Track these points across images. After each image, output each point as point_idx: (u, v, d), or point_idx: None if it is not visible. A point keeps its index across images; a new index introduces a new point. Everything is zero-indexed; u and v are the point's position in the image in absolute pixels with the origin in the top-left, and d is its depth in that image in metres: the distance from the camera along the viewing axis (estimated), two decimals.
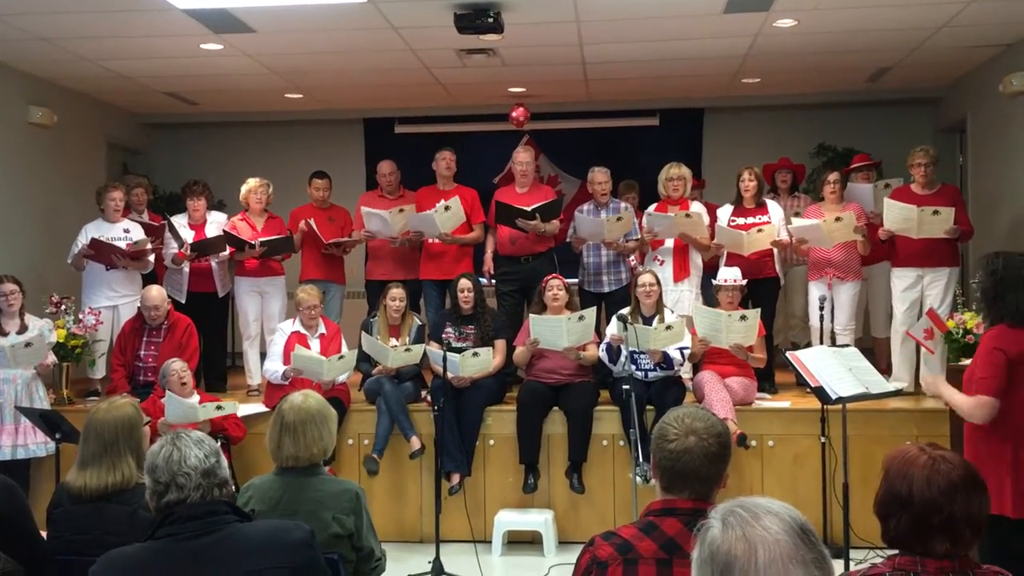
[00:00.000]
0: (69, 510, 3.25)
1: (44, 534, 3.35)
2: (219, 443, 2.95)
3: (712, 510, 1.61)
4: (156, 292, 6.46)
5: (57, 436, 5.15)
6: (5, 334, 6.08)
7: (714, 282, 6.33)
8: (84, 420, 3.44)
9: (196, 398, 5.89)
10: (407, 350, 6.18)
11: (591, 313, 6.06)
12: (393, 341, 6.36)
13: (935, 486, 2.22)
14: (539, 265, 6.83)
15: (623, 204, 7.02)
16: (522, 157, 7.10)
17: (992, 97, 7.58)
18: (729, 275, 6.23)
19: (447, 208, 6.75)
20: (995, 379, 3.78)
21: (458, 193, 7.01)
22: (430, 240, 7.05)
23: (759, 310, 6.04)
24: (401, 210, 6.93)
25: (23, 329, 6.14)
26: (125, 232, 7.00)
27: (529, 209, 6.72)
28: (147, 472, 2.56)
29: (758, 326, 6.00)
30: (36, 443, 5.98)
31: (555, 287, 6.23)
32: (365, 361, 6.41)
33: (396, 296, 6.45)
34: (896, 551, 2.27)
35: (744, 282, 6.23)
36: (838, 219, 6.38)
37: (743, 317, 5.89)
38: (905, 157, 6.60)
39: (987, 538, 2.41)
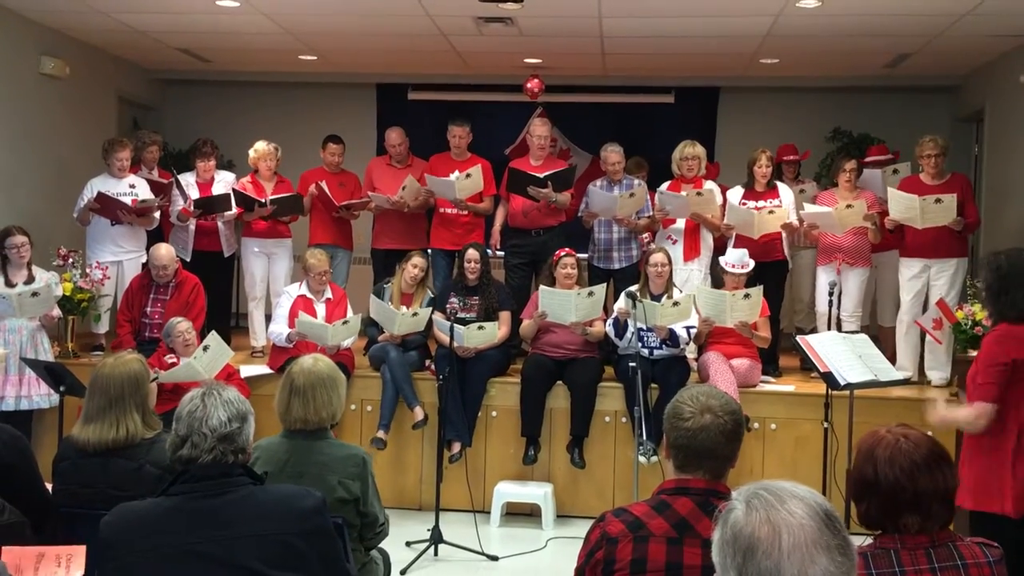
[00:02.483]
0: (76, 463, 3.24)
1: (48, 486, 3.35)
2: None
3: (735, 492, 1.59)
4: (165, 251, 6.42)
5: (61, 388, 5.15)
6: (12, 285, 6.06)
7: (722, 263, 6.29)
8: (90, 374, 3.42)
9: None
10: (414, 314, 6.16)
11: (600, 289, 6.04)
12: (404, 309, 6.34)
13: (897, 466, 2.31)
14: (549, 239, 6.80)
15: (636, 181, 6.97)
16: (540, 130, 7.04)
17: (1012, 87, 7.50)
18: (736, 259, 6.18)
19: (468, 176, 6.70)
20: (995, 385, 3.72)
21: (474, 163, 6.96)
22: (441, 202, 7.00)
23: (761, 287, 6.00)
24: (404, 187, 6.88)
25: (30, 281, 6.13)
26: (131, 188, 6.95)
27: (542, 176, 6.67)
28: (174, 419, 2.55)
29: (762, 304, 5.98)
30: (40, 395, 5.98)
31: (568, 264, 6.20)
32: (372, 326, 6.39)
33: (418, 264, 6.42)
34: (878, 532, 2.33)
35: (751, 265, 6.18)
36: (849, 206, 6.36)
37: (747, 295, 5.87)
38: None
39: (988, 537, 2.42)
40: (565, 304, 5.93)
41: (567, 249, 6.31)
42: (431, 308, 6.28)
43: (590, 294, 5.94)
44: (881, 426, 2.46)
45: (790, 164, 7.71)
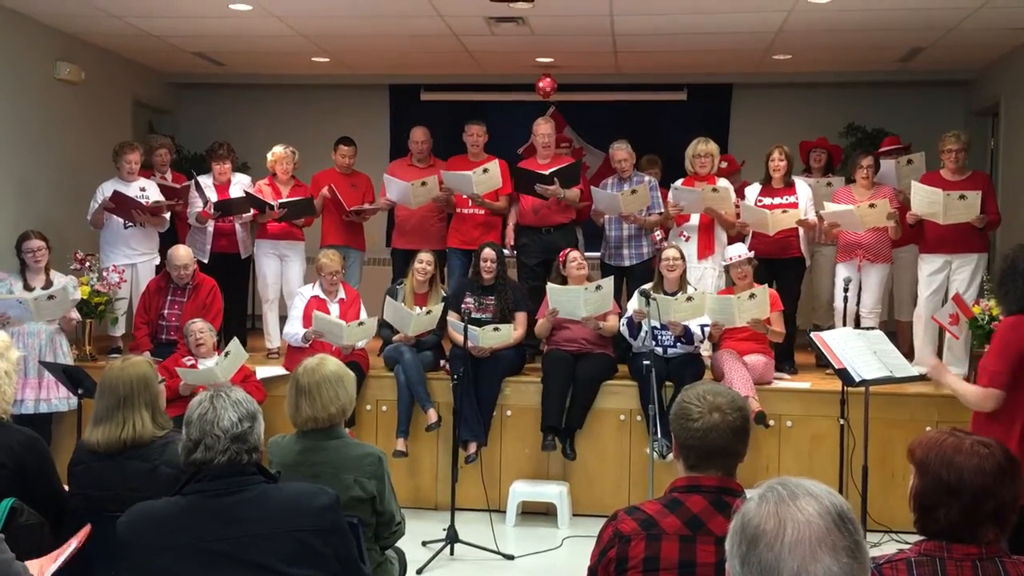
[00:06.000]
0: (91, 466, 3.26)
1: (66, 488, 3.37)
2: None
3: (757, 486, 1.59)
4: (184, 252, 6.47)
5: (79, 391, 5.19)
6: (31, 289, 6.11)
7: (722, 263, 6.28)
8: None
9: (215, 359, 5.89)
10: (428, 312, 6.17)
11: (608, 282, 6.04)
12: (418, 309, 6.34)
13: (987, 472, 2.17)
14: (560, 237, 6.80)
15: (647, 178, 6.96)
16: (543, 129, 7.03)
17: None
18: (734, 251, 6.18)
19: (485, 171, 6.69)
20: (1007, 373, 3.77)
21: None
22: (461, 197, 6.99)
23: (766, 286, 6.00)
24: (424, 183, 6.88)
25: (48, 285, 6.17)
26: (141, 191, 7.00)
27: (547, 173, 6.67)
28: (184, 424, 2.57)
29: (771, 299, 5.96)
30: (58, 398, 6.02)
31: (577, 257, 6.22)
32: (386, 327, 6.40)
33: (424, 260, 6.42)
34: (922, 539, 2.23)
35: (751, 254, 6.17)
36: (872, 206, 6.32)
37: (752, 295, 5.85)
38: (935, 139, 6.51)
39: None
40: (574, 300, 5.94)
41: (571, 247, 6.30)
42: (443, 305, 6.28)
43: (598, 288, 5.94)
44: (934, 431, 2.33)
45: (819, 156, 7.58)
